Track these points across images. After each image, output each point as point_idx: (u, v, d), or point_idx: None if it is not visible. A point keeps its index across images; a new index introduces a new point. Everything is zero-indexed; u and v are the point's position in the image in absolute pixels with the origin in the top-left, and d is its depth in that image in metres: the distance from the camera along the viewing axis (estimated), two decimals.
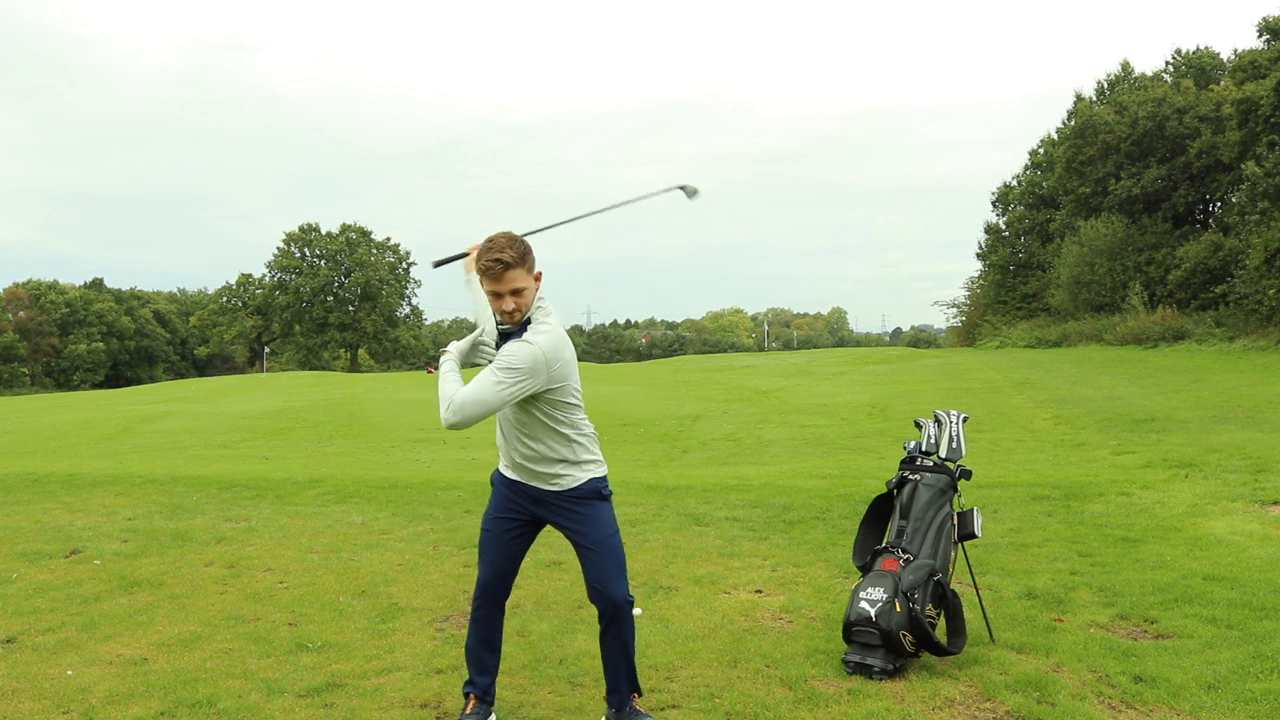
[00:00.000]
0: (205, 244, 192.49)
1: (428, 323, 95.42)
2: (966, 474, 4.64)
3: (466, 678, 3.74)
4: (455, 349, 3.66)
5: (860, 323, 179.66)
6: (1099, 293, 36.15)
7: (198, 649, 4.54)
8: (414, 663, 4.33)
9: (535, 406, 3.47)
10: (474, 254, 3.69)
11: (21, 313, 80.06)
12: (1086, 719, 3.63)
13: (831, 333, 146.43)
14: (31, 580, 5.81)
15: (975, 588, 4.76)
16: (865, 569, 4.43)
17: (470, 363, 3.74)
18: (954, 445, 4.67)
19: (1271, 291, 26.83)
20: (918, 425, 4.83)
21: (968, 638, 4.32)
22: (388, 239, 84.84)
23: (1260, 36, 30.64)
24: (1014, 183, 48.85)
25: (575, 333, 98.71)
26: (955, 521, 4.51)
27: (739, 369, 32.54)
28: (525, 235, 3.57)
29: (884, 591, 4.11)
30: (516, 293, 3.38)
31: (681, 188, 4.45)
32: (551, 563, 5.93)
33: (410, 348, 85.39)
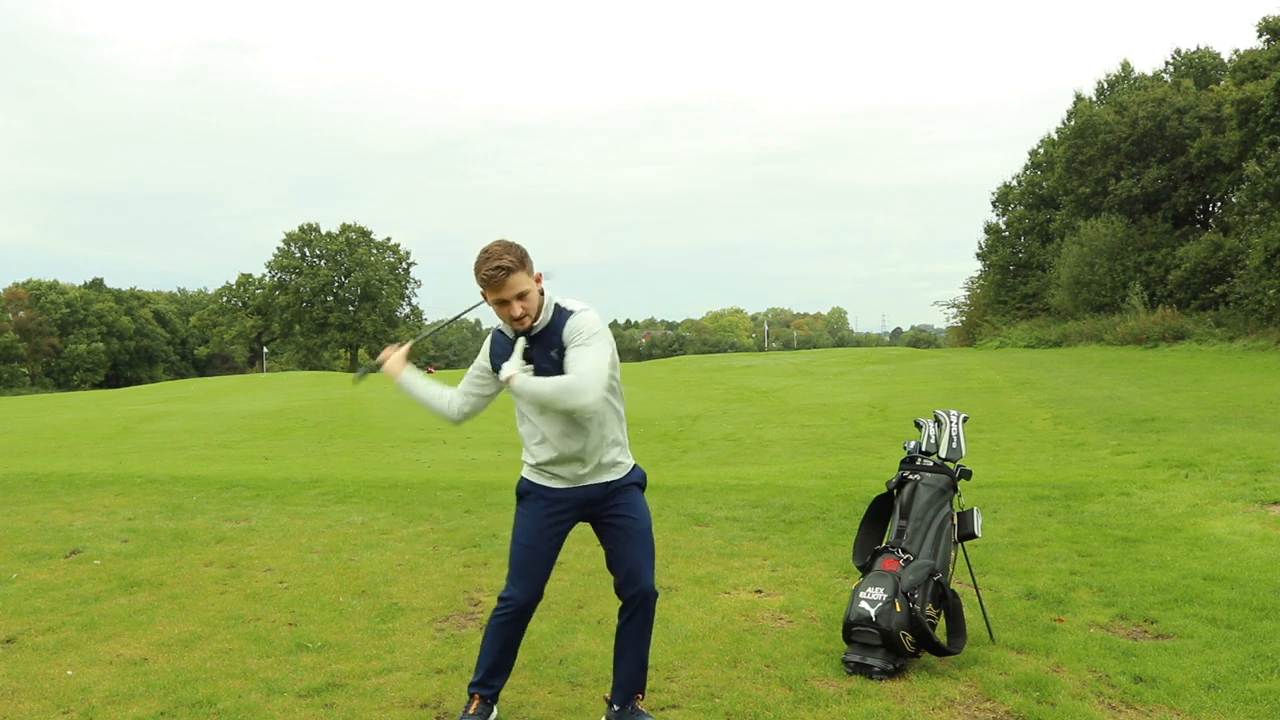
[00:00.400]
0: (205, 244, 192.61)
1: (428, 323, 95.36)
2: (966, 474, 4.64)
3: (475, 678, 3.67)
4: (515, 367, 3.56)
5: (860, 323, 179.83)
6: (1099, 293, 36.15)
7: (198, 649, 4.54)
8: (414, 663, 4.33)
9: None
10: (390, 355, 3.91)
11: (21, 313, 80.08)
12: (1086, 719, 3.62)
13: (831, 333, 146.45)
14: (31, 580, 5.81)
15: (975, 588, 4.76)
16: (865, 569, 4.43)
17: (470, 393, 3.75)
18: (954, 445, 4.67)
19: (1271, 291, 26.83)
20: (918, 425, 4.83)
21: (968, 638, 4.32)
22: (388, 239, 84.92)
23: (1260, 36, 30.65)
24: (1014, 183, 48.87)
25: None
26: (955, 521, 4.51)
27: (739, 369, 32.54)
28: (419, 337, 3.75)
29: (884, 591, 4.11)
30: (521, 296, 3.39)
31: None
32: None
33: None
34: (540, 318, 3.46)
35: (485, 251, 3.40)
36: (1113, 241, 36.19)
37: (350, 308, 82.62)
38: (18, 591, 5.55)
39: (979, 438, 12.65)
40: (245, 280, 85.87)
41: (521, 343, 3.51)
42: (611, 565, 3.66)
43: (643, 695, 3.69)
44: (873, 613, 4.05)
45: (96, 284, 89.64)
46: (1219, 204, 37.16)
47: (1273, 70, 27.52)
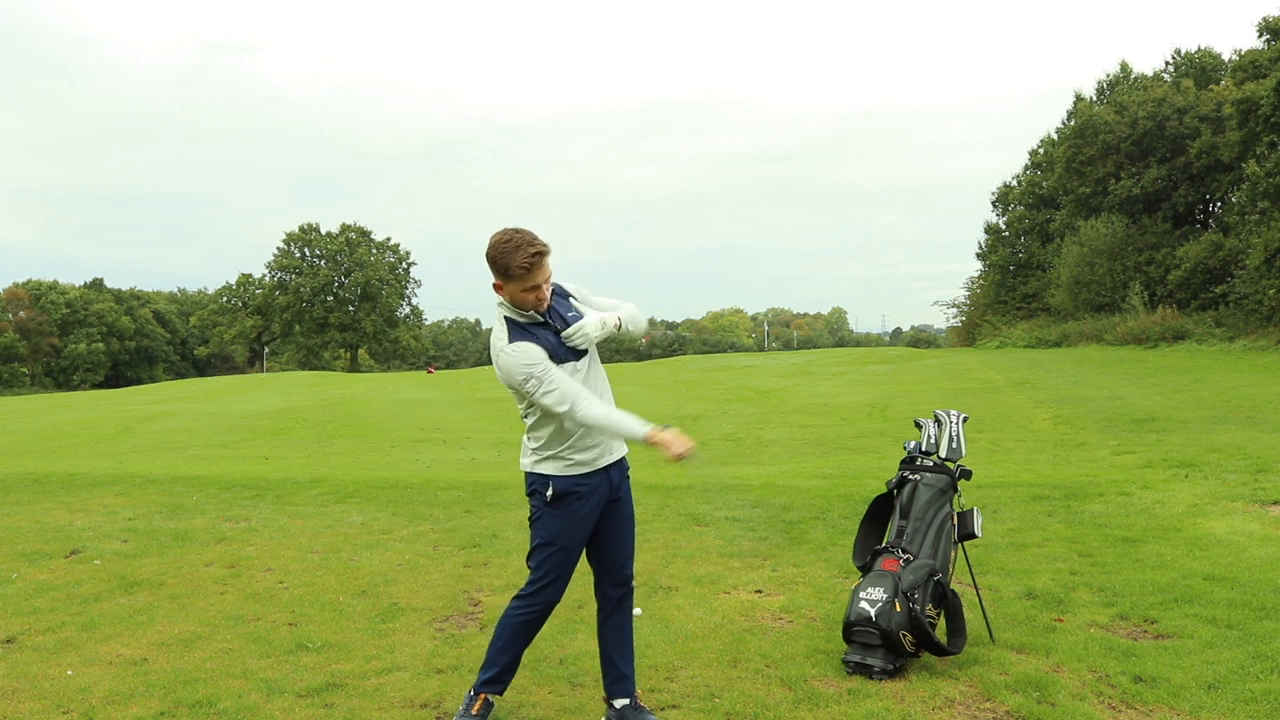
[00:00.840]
0: (205, 244, 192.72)
1: (427, 323, 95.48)
2: (966, 474, 4.64)
3: (488, 677, 3.63)
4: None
5: (860, 323, 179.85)
6: (1099, 293, 36.15)
7: (198, 649, 4.54)
8: (414, 663, 4.33)
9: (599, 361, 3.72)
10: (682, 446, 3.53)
11: (21, 313, 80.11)
12: (1086, 719, 3.62)
13: (831, 333, 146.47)
14: (31, 580, 5.81)
15: (975, 588, 4.76)
16: (865, 569, 4.43)
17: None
18: (954, 445, 4.67)
19: (1271, 291, 26.83)
20: (918, 425, 4.83)
21: (968, 638, 4.32)
22: (388, 239, 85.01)
23: (1260, 36, 30.64)
24: (1014, 183, 48.86)
25: None
26: (955, 521, 4.51)
27: (739, 369, 32.54)
28: None
29: (884, 591, 4.11)
30: (548, 280, 3.44)
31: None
32: None
33: (410, 348, 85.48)
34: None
35: (510, 240, 3.33)
36: (1113, 241, 36.19)
37: (350, 308, 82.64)
38: (18, 591, 5.55)
39: (979, 438, 12.65)
40: (245, 280, 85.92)
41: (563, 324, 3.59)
42: (608, 551, 3.67)
43: (639, 693, 3.70)
44: (873, 613, 4.05)
45: (96, 284, 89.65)
46: (1219, 204, 37.16)
47: (1273, 70, 27.51)
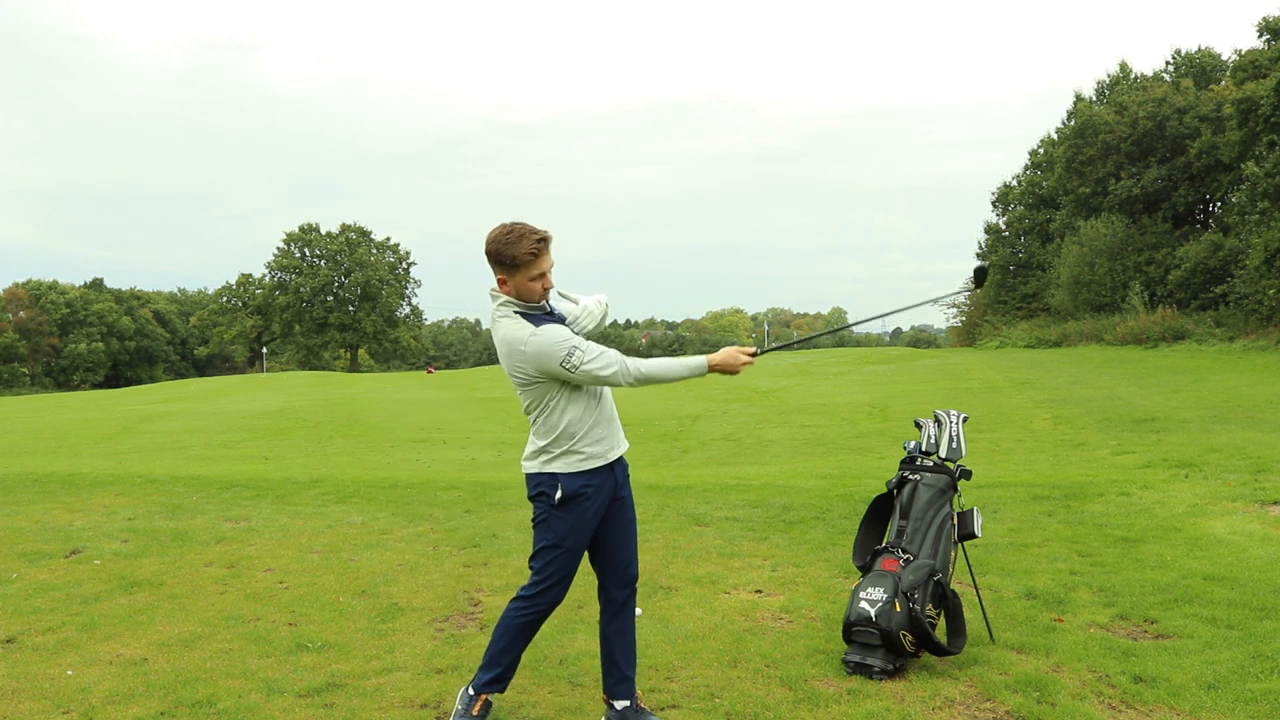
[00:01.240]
0: (205, 244, 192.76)
1: (427, 323, 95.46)
2: (966, 474, 4.64)
3: (489, 677, 3.63)
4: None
5: None
6: (1099, 293, 36.16)
7: (198, 649, 4.54)
8: (414, 663, 4.33)
9: None
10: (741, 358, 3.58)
11: (21, 313, 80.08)
12: (1086, 719, 3.62)
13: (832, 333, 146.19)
14: (31, 580, 5.81)
15: (975, 588, 4.76)
16: (865, 569, 4.42)
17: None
18: (954, 445, 4.67)
19: (1271, 291, 26.83)
20: (918, 425, 4.83)
21: (968, 638, 4.32)
22: (388, 239, 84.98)
23: (1260, 36, 30.64)
24: (1014, 183, 48.89)
25: None
26: (955, 521, 4.50)
27: None
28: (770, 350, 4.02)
29: (884, 591, 4.11)
30: (551, 268, 3.47)
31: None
32: None
33: (410, 348, 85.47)
34: None
35: (511, 231, 3.36)
36: (1113, 241, 36.19)
37: (350, 308, 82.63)
38: (18, 591, 5.55)
39: (979, 438, 12.65)
40: (245, 280, 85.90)
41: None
42: (612, 552, 3.68)
43: (636, 689, 3.70)
44: (873, 613, 4.05)
45: (96, 284, 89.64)
46: (1219, 204, 37.17)
47: (1273, 70, 27.51)
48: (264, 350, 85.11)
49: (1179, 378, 20.00)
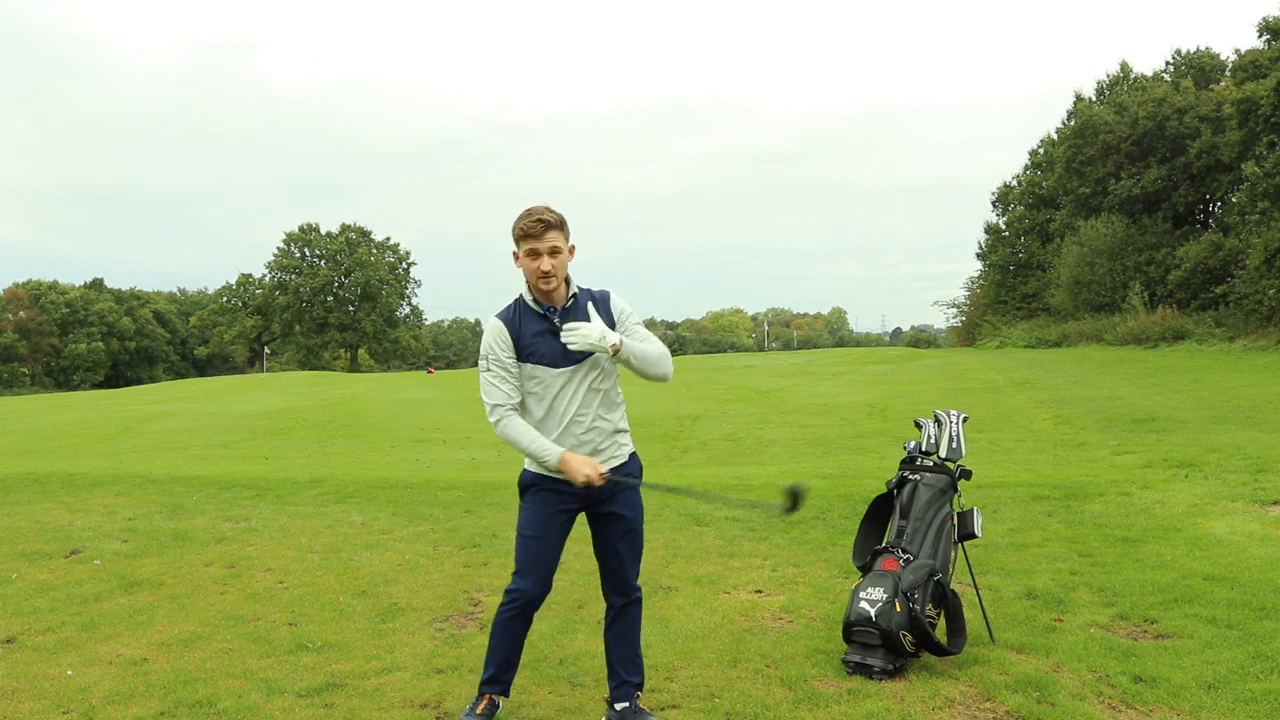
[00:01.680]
0: (205, 244, 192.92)
1: (427, 323, 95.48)
2: (966, 474, 4.64)
3: (486, 676, 3.66)
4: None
5: (860, 323, 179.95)
6: (1099, 293, 36.16)
7: (198, 649, 4.54)
8: (414, 663, 4.33)
9: (615, 370, 3.61)
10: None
11: (21, 313, 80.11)
12: (1086, 719, 3.62)
13: (831, 333, 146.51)
14: (31, 580, 5.81)
15: (975, 588, 4.76)
16: (865, 569, 4.42)
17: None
18: (954, 445, 4.67)
19: (1271, 291, 26.82)
20: (918, 425, 4.83)
21: (968, 638, 4.32)
22: (388, 239, 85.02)
23: (1260, 36, 30.65)
24: (1014, 183, 48.89)
25: None
26: (955, 521, 4.50)
27: (739, 369, 32.54)
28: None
29: (884, 591, 4.11)
30: (554, 252, 3.43)
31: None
32: None
33: (410, 348, 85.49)
34: (568, 291, 3.54)
35: (527, 209, 3.45)
36: (1113, 241, 36.19)
37: (350, 308, 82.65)
38: (18, 591, 5.54)
39: (979, 438, 12.65)
40: (245, 280, 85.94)
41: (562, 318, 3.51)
42: (604, 560, 3.69)
43: (641, 691, 3.69)
44: (873, 613, 4.05)
45: (96, 284, 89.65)
46: (1219, 204, 37.18)
47: (1273, 70, 27.51)
48: (264, 350, 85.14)
49: (1179, 378, 20.00)
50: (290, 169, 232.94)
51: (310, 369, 72.16)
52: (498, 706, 3.68)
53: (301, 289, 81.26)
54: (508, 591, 3.62)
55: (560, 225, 3.45)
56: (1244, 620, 4.57)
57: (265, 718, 3.76)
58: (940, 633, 4.30)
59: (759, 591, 5.37)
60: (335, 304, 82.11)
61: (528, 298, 3.54)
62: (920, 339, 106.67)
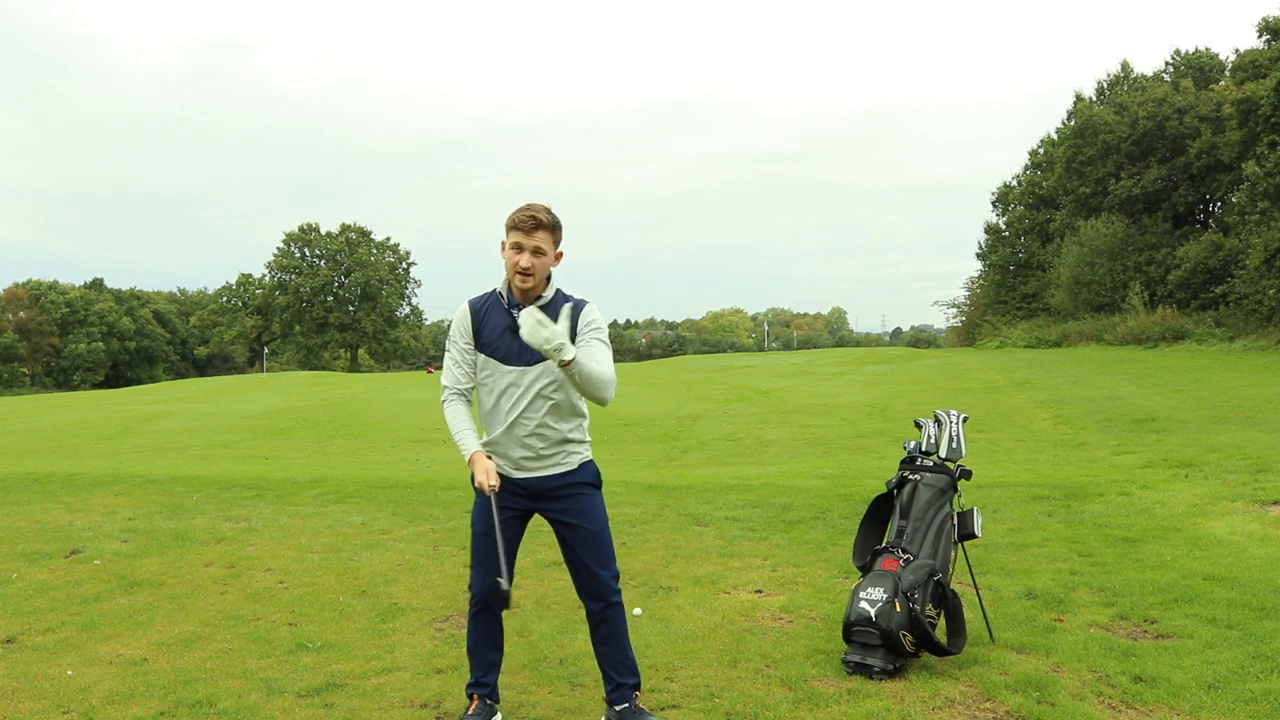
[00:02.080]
0: (205, 244, 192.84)
1: (428, 323, 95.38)
2: (966, 474, 4.64)
3: (470, 679, 3.71)
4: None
5: (860, 323, 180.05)
6: (1099, 293, 36.15)
7: (198, 649, 4.54)
8: (414, 663, 4.33)
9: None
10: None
11: (21, 313, 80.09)
12: (1086, 719, 3.62)
13: (831, 333, 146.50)
14: (31, 580, 5.81)
15: (975, 588, 4.76)
16: (865, 569, 4.42)
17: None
18: (954, 445, 4.67)
19: (1271, 291, 26.82)
20: (918, 425, 4.83)
21: (968, 638, 4.32)
22: (388, 239, 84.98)
23: (1260, 36, 30.66)
24: (1014, 183, 48.87)
25: None
26: (955, 521, 4.50)
27: (739, 369, 32.54)
28: None
29: (884, 591, 4.11)
30: (538, 252, 3.42)
31: None
32: (551, 563, 5.92)
33: (410, 348, 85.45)
34: (543, 291, 3.52)
35: (527, 203, 3.46)
36: (1113, 241, 36.19)
37: (350, 308, 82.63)
38: (18, 591, 5.55)
39: (979, 438, 12.65)
40: (245, 280, 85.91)
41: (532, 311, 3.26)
42: (569, 567, 3.70)
43: (639, 690, 3.69)
44: (873, 613, 4.05)
45: (96, 284, 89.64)
46: (1219, 204, 37.17)
47: (1273, 70, 27.51)
48: (264, 350, 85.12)
49: (1179, 378, 20.00)
50: (290, 169, 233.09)
51: (310, 369, 72.15)
52: (493, 711, 3.68)
53: (301, 289, 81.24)
54: (468, 589, 3.69)
55: (552, 229, 3.44)
56: (1244, 620, 4.57)
57: (265, 718, 3.76)
58: (940, 633, 4.30)
59: (759, 591, 5.37)
60: (335, 304, 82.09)
61: (502, 289, 3.56)
62: (920, 339, 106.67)
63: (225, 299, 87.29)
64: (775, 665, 4.21)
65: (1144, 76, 42.48)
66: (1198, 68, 40.03)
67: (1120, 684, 3.91)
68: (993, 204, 49.65)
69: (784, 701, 3.82)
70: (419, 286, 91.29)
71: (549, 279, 3.54)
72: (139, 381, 76.82)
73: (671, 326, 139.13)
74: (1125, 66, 44.07)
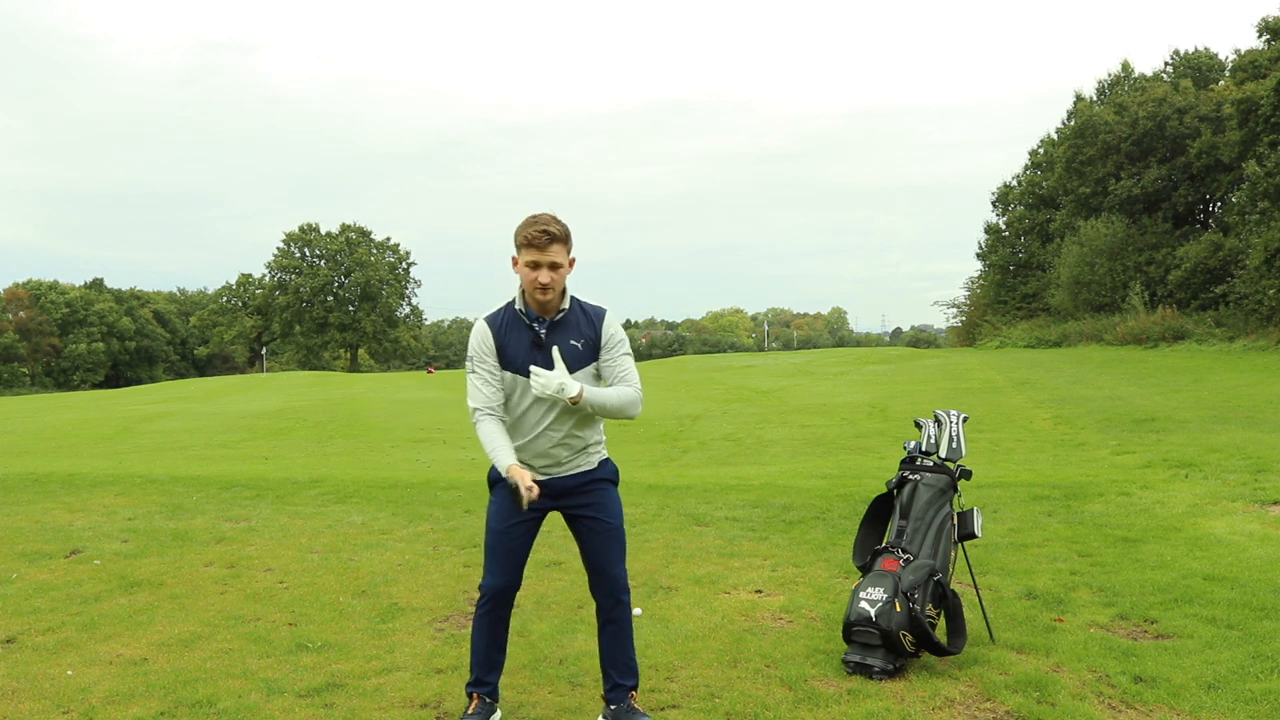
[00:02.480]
0: (205, 244, 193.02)
1: (427, 323, 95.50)
2: (966, 474, 4.64)
3: (471, 678, 3.71)
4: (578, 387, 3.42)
5: (860, 323, 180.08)
6: (1099, 293, 36.15)
7: (198, 649, 4.54)
8: (414, 663, 4.33)
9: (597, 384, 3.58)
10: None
11: (21, 313, 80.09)
12: (1086, 719, 3.62)
13: (831, 333, 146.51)
14: (31, 580, 5.81)
15: (975, 588, 4.76)
16: (865, 569, 4.42)
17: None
18: (954, 445, 4.67)
19: (1271, 291, 26.82)
20: (918, 425, 4.83)
21: (968, 638, 4.32)
22: (388, 239, 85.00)
23: (1260, 36, 30.65)
24: (1014, 183, 48.86)
25: None
26: (955, 521, 4.50)
27: (739, 369, 32.54)
28: None
29: (884, 591, 4.11)
30: (554, 266, 3.41)
31: None
32: (551, 563, 5.93)
33: (410, 348, 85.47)
34: (561, 304, 3.52)
35: (533, 216, 3.43)
36: (1113, 241, 36.19)
37: (350, 308, 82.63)
38: (18, 591, 5.54)
39: (979, 438, 12.65)
40: (245, 280, 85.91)
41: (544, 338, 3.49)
42: (585, 561, 3.70)
43: (635, 692, 3.69)
44: (873, 613, 4.05)
45: (96, 284, 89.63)
46: (1219, 204, 37.17)
47: (1273, 70, 27.51)
48: (264, 350, 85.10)
49: (1179, 378, 20.00)
50: (290, 169, 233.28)
51: (310, 369, 72.14)
52: (492, 710, 3.68)
53: (301, 289, 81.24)
54: (479, 588, 3.68)
55: (565, 239, 3.43)
56: (1244, 620, 4.57)
57: (265, 718, 3.76)
58: (940, 633, 4.30)
59: (759, 591, 5.37)
60: (335, 304, 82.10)
61: (519, 304, 3.54)
62: (920, 339, 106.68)
63: (225, 299, 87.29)
64: (775, 665, 4.21)
65: (1144, 76, 42.47)
66: (1197, 68, 40.03)
67: (1120, 684, 3.91)
68: (993, 204, 49.67)
69: (784, 701, 3.82)
70: (419, 286, 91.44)
71: (564, 290, 3.54)
72: (139, 381, 76.81)
73: (671, 326, 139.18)
74: (1125, 66, 44.08)
